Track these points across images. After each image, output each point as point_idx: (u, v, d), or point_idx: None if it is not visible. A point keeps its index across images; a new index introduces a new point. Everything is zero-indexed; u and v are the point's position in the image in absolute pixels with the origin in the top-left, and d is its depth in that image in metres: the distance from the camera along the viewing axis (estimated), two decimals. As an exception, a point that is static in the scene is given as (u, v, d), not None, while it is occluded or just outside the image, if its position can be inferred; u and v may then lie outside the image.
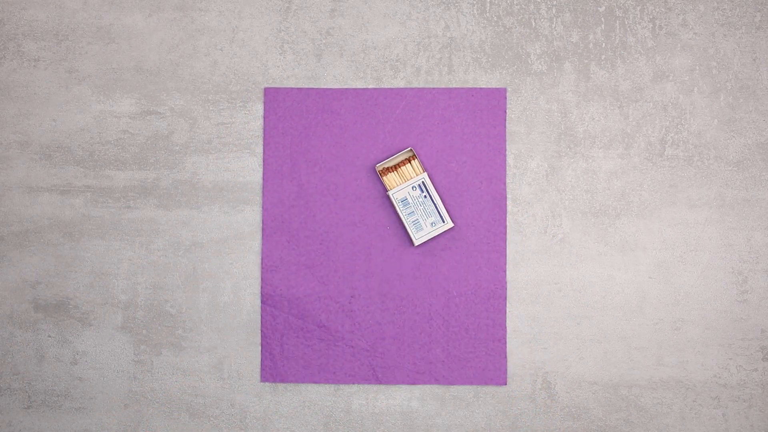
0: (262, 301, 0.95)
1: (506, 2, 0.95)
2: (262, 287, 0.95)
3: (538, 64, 0.95)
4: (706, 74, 0.95)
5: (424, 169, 0.93)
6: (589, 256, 0.94)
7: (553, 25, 0.95)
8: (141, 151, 0.95)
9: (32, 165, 0.95)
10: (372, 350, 0.93)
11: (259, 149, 0.94)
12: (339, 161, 0.94)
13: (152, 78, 0.96)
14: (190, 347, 0.94)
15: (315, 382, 0.93)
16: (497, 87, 0.94)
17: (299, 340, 0.95)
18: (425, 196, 0.90)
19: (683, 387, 0.93)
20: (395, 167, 0.92)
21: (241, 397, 0.94)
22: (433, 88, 0.94)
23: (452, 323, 0.93)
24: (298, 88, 0.95)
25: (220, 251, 0.94)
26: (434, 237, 0.94)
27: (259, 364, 0.95)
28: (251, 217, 0.94)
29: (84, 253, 0.95)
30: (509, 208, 0.94)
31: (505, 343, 0.93)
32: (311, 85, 0.95)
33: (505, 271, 0.94)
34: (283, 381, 0.94)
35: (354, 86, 0.95)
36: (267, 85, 0.95)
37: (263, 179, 0.94)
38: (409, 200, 0.93)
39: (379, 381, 0.93)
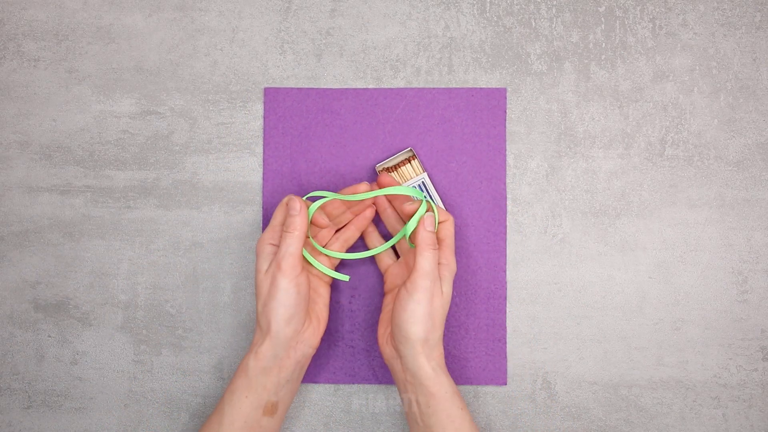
0: (262, 301, 0.95)
1: (506, 2, 0.95)
2: (262, 287, 0.95)
3: (538, 64, 0.95)
4: (706, 74, 0.95)
5: (424, 169, 0.93)
6: (589, 256, 0.94)
7: (553, 25, 0.95)
8: (141, 151, 0.95)
9: (32, 165, 0.95)
10: (372, 350, 0.93)
11: (259, 149, 0.94)
12: (339, 161, 0.94)
13: (152, 78, 0.96)
14: (190, 347, 0.94)
15: (314, 382, 0.93)
16: (497, 87, 0.94)
17: (299, 340, 0.95)
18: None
19: (683, 387, 0.93)
20: (395, 167, 0.92)
21: (241, 397, 0.94)
22: (433, 88, 0.94)
23: (452, 323, 0.93)
24: (298, 88, 0.95)
25: (220, 251, 0.94)
26: (434, 237, 0.94)
27: (259, 364, 0.94)
28: (251, 217, 0.94)
29: (84, 253, 0.95)
30: (509, 208, 0.94)
31: (505, 343, 0.93)
32: (311, 85, 0.95)
33: (505, 271, 0.94)
34: (283, 381, 0.94)
35: (354, 86, 0.95)
36: (267, 85, 0.95)
37: (263, 179, 0.94)
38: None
39: (378, 381, 0.93)
